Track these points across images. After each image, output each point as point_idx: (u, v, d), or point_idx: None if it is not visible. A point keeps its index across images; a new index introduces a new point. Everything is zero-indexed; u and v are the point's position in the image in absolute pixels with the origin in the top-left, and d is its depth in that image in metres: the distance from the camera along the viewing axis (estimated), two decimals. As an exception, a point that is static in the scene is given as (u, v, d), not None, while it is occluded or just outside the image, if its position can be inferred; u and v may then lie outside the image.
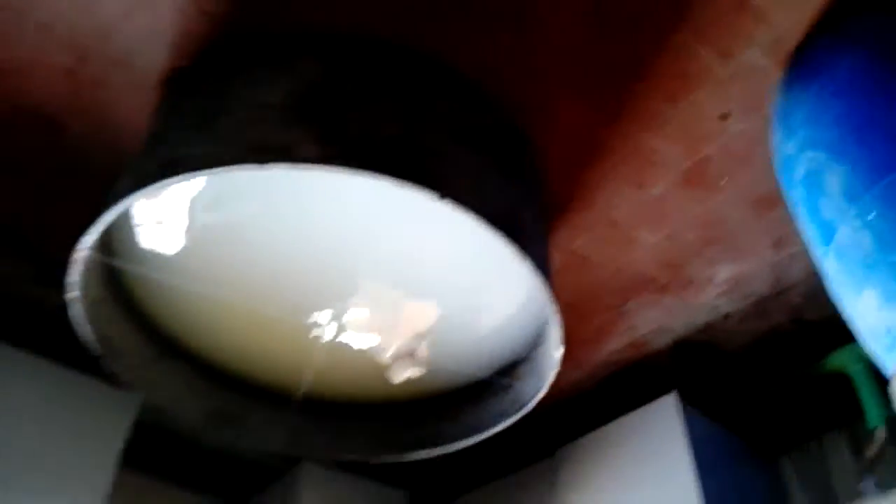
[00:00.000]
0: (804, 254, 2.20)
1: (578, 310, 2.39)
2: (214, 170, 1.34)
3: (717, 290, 2.33)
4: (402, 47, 1.68)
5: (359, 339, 2.04)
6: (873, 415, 2.19)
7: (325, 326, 1.99)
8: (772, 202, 2.07)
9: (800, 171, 1.59)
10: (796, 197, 1.62)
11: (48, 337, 2.42)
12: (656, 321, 2.45)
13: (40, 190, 2.03)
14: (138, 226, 1.76)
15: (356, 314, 2.00)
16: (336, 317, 1.99)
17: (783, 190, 1.71)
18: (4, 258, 2.20)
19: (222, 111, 1.48)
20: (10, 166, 1.98)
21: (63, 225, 2.10)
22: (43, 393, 2.26)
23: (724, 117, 1.87)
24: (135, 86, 1.76)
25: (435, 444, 2.12)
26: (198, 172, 1.35)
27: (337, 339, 2.01)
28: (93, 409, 2.33)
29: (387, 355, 2.07)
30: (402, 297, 1.98)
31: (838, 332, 2.32)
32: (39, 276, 2.26)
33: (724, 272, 2.28)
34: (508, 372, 2.11)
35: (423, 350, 2.07)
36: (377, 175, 1.39)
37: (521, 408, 1.97)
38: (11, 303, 2.34)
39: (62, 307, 2.34)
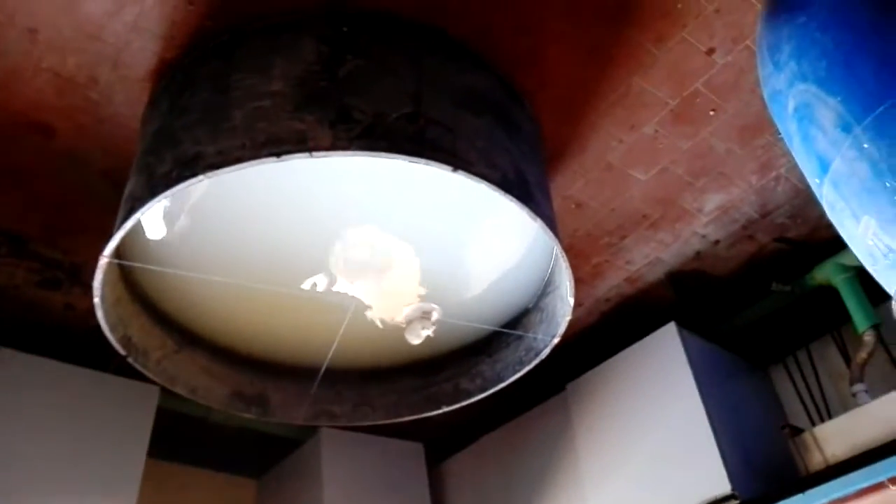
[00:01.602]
0: (787, 176, 2.29)
1: (576, 251, 2.47)
2: (234, 167, 1.35)
3: (706, 218, 2.42)
4: (392, 16, 1.67)
5: (369, 305, 2.09)
6: (861, 320, 2.34)
7: (324, 292, 2.01)
8: (756, 129, 2.14)
9: (791, 104, 1.64)
10: (788, 130, 1.68)
11: (55, 338, 2.43)
12: (650, 255, 2.54)
13: (40, 195, 2.01)
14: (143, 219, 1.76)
15: (355, 279, 2.04)
16: (337, 283, 2.03)
17: (775, 122, 1.77)
18: (10, 265, 2.18)
19: (227, 104, 1.47)
20: (9, 175, 1.95)
21: (65, 227, 2.09)
22: (66, 395, 2.28)
23: (710, 52, 1.91)
24: (126, 82, 1.73)
25: (454, 401, 2.21)
26: (218, 171, 1.35)
27: (347, 308, 2.04)
28: (115, 404, 2.36)
29: (399, 318, 2.12)
30: (391, 254, 2.02)
31: (822, 247, 2.46)
32: (44, 280, 2.25)
33: (712, 201, 2.36)
34: (518, 323, 2.19)
35: (433, 309, 2.13)
36: (391, 155, 1.41)
37: (536, 356, 2.06)
38: (18, 307, 2.33)
39: (69, 307, 2.36)
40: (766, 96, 1.82)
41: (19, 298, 2.29)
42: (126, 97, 1.77)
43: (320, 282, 2.01)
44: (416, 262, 2.05)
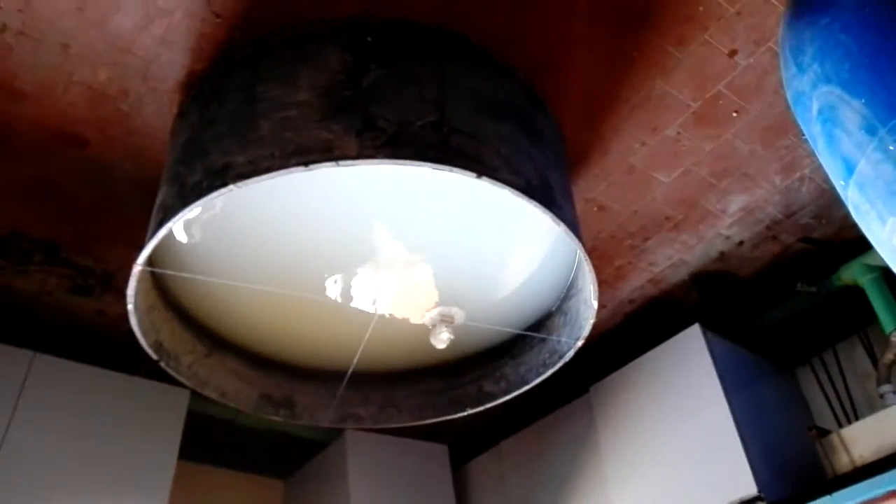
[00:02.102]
0: (811, 177, 2.28)
1: (599, 253, 2.47)
2: (263, 176, 1.38)
3: (730, 220, 2.41)
4: (415, 25, 1.69)
5: (394, 310, 2.11)
6: (888, 320, 2.31)
7: (352, 299, 2.04)
8: (779, 130, 2.13)
9: (814, 106, 1.64)
10: (813, 132, 1.67)
11: (88, 344, 2.49)
12: (674, 256, 2.54)
13: (72, 204, 2.06)
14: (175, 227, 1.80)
15: (381, 284, 2.07)
16: (363, 288, 2.06)
17: (799, 124, 1.76)
18: (44, 272, 2.24)
19: (255, 114, 1.50)
20: (42, 187, 2.00)
21: (96, 235, 2.15)
22: (98, 398, 2.34)
23: (732, 54, 1.91)
24: (155, 93, 1.77)
25: (478, 403, 2.23)
26: (247, 180, 1.38)
27: (381, 312, 2.07)
28: (146, 408, 2.41)
29: (424, 321, 2.14)
30: (416, 261, 2.04)
31: (847, 247, 2.44)
32: (76, 287, 2.30)
33: (736, 202, 2.35)
34: (542, 325, 2.20)
35: (457, 312, 2.15)
36: (416, 163, 1.43)
37: (559, 358, 2.07)
38: (52, 312, 2.39)
39: (100, 313, 2.41)
40: (789, 98, 1.82)
41: (53, 305, 2.35)
42: (156, 109, 1.82)
43: (347, 288, 2.04)
44: (441, 266, 2.07)
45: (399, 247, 2.02)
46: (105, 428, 2.29)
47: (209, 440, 2.84)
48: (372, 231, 1.97)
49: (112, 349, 2.44)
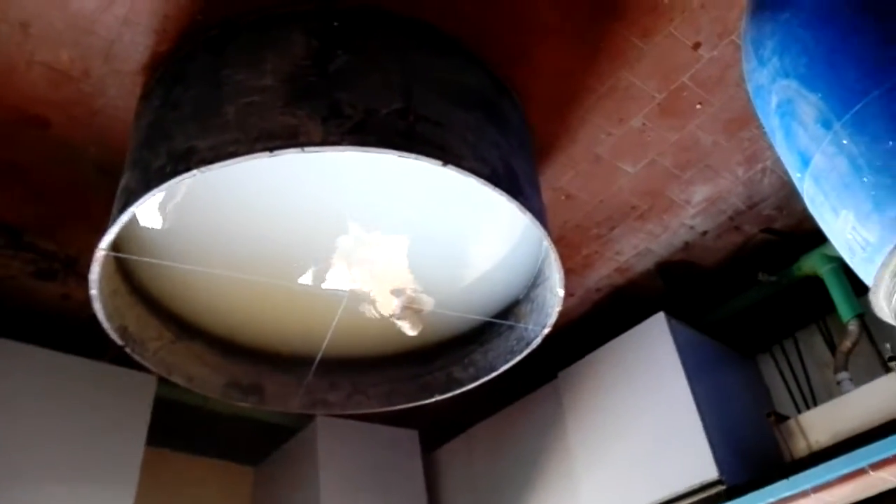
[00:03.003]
0: (773, 168, 2.33)
1: (566, 241, 2.50)
2: (226, 161, 1.38)
3: (694, 210, 2.46)
4: (383, 11, 1.69)
5: (363, 296, 2.12)
6: (845, 309, 2.38)
7: (328, 285, 2.05)
8: (742, 122, 2.17)
9: (773, 99, 1.67)
10: (771, 125, 1.71)
11: (52, 329, 2.46)
12: (640, 246, 2.58)
13: (35, 187, 2.03)
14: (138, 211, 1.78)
15: (349, 270, 2.08)
16: (331, 274, 2.06)
17: (759, 117, 1.80)
18: (6, 256, 2.20)
19: (220, 99, 1.49)
20: (4, 168, 1.97)
21: (60, 219, 2.12)
22: (64, 384, 2.31)
23: (696, 46, 1.94)
24: (119, 75, 1.75)
25: (447, 389, 2.25)
26: (211, 165, 1.38)
27: (341, 299, 2.07)
28: (113, 393, 2.39)
29: (392, 309, 2.16)
30: (385, 246, 2.05)
31: (808, 238, 2.50)
32: (39, 271, 2.27)
33: (700, 193, 2.40)
34: (509, 313, 2.22)
35: (425, 299, 2.17)
36: (381, 150, 1.43)
37: (527, 345, 2.09)
38: (15, 297, 2.36)
39: (65, 297, 2.39)
40: (750, 91, 1.85)
41: (16, 289, 2.32)
42: (119, 90, 1.79)
43: (315, 274, 2.05)
44: (409, 253, 2.08)
45: (370, 234, 2.03)
46: (70, 414, 2.27)
47: (178, 426, 2.82)
48: (341, 218, 1.98)
49: (77, 334, 2.41)
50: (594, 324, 2.89)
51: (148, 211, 1.76)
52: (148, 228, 1.78)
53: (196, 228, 1.89)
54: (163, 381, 2.38)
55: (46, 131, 1.88)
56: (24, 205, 2.07)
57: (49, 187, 2.03)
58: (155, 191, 1.43)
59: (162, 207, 1.76)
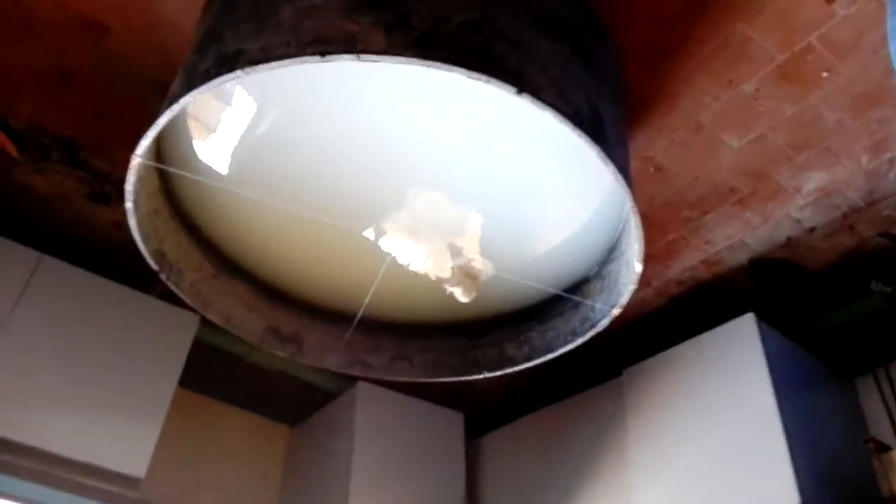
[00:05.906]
0: (904, 160, 2.00)
1: (650, 221, 2.25)
2: (272, 63, 1.22)
3: (803, 200, 2.15)
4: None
5: (418, 256, 1.95)
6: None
7: (381, 241, 1.90)
8: (874, 99, 1.86)
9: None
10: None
11: (101, 254, 2.40)
12: (734, 236, 2.29)
13: (92, 101, 1.95)
14: (193, 136, 1.67)
15: (410, 226, 1.91)
16: (392, 230, 1.90)
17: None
18: (61, 173, 2.15)
19: (278, 2, 1.34)
20: (62, 78, 1.90)
21: (117, 137, 2.04)
22: (104, 311, 2.26)
23: (829, 0, 1.65)
24: (180, -20, 1.64)
25: (497, 367, 2.05)
26: (255, 67, 1.23)
27: (396, 256, 1.91)
28: (153, 327, 2.32)
29: (449, 272, 1.98)
30: (454, 206, 1.87)
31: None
32: (93, 193, 2.21)
33: (813, 181, 2.09)
34: (577, 289, 2.00)
35: (486, 265, 1.98)
36: (449, 67, 1.24)
37: (591, 327, 1.87)
38: (66, 218, 2.31)
39: (116, 225, 2.32)
40: (893, 53, 1.56)
41: (68, 210, 2.27)
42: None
43: (376, 228, 1.89)
44: (477, 216, 1.89)
45: (438, 193, 1.86)
46: (106, 342, 2.20)
47: (217, 373, 2.74)
48: (410, 174, 1.81)
49: (125, 264, 2.34)
50: (670, 320, 2.61)
51: (219, 151, 1.65)
52: (202, 156, 1.67)
53: (254, 165, 1.76)
54: (207, 324, 2.30)
55: (105, 39, 1.79)
56: (80, 119, 2.00)
57: (105, 102, 1.95)
58: (196, 92, 1.29)
59: (242, 140, 1.65)
